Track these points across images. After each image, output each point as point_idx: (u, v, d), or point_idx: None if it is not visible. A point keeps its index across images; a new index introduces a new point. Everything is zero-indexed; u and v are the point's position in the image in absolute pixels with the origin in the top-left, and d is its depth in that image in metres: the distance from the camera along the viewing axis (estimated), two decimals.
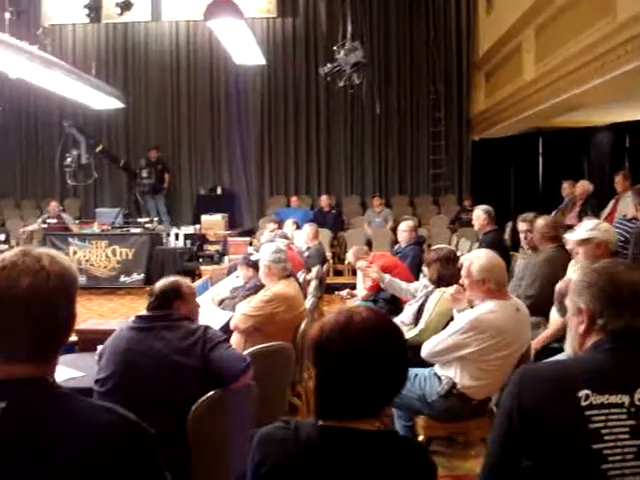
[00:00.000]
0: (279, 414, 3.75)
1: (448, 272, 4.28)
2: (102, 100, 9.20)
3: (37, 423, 1.30)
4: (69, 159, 9.74)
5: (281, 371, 3.82)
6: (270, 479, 1.55)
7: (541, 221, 5.00)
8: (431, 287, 4.46)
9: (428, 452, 1.61)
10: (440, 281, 4.34)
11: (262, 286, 4.68)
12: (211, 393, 2.78)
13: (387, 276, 5.28)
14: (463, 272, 3.51)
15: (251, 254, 5.69)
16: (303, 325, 4.37)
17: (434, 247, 4.87)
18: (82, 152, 9.81)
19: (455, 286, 3.71)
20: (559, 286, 3.62)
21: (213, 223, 11.27)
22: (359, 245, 7.40)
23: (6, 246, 10.61)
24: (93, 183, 13.34)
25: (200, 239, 10.46)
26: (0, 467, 1.27)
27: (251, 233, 11.78)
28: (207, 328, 3.00)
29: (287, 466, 1.54)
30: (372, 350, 1.57)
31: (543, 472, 1.46)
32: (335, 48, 8.23)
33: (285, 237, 7.10)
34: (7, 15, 9.81)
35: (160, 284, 3.11)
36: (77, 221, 11.67)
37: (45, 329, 1.35)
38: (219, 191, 12.97)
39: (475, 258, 3.52)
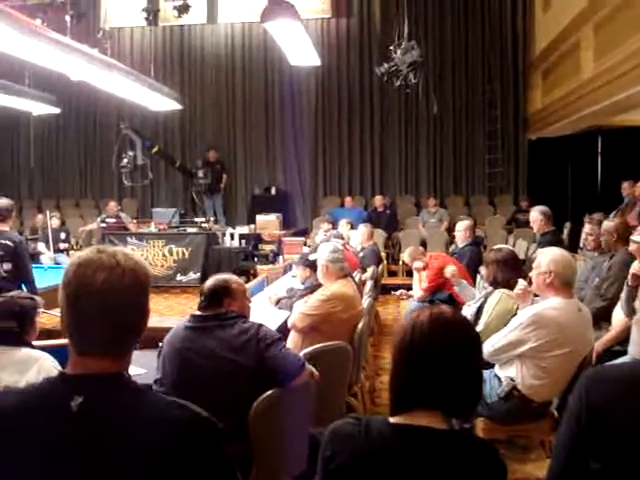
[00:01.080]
0: (336, 414, 3.76)
1: (506, 274, 4.22)
2: (160, 102, 9.33)
3: (113, 418, 1.33)
4: (125, 160, 9.95)
5: (338, 371, 3.81)
6: (340, 475, 1.55)
7: (610, 222, 4.91)
8: (490, 288, 4.40)
9: (499, 453, 1.59)
10: (497, 282, 4.28)
11: (319, 286, 4.68)
12: (270, 392, 2.80)
13: (463, 281, 5.17)
14: (534, 264, 3.50)
15: (308, 254, 5.71)
16: (360, 325, 4.36)
17: (494, 247, 4.80)
18: (138, 153, 10.00)
19: (521, 282, 3.66)
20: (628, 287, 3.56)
21: (267, 223, 11.36)
22: (414, 246, 7.36)
23: (66, 244, 10.90)
24: (150, 183, 13.62)
25: (255, 239, 10.55)
26: (75, 461, 1.30)
27: (304, 233, 11.83)
28: (260, 326, 3.01)
29: (357, 462, 1.54)
30: (465, 345, 1.60)
31: (612, 474, 1.43)
32: (391, 48, 8.20)
33: (340, 237, 7.10)
34: (68, 18, 10.07)
35: (209, 283, 3.12)
36: (135, 221, 11.90)
37: (121, 324, 1.38)
38: (273, 191, 13.04)
39: (548, 251, 3.51)
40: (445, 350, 1.58)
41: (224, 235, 10.49)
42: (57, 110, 10.70)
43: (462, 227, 6.83)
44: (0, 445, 1.35)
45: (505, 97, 12.60)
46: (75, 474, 1.29)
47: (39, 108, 10.35)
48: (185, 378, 2.86)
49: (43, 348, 3.09)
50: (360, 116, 13.06)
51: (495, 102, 12.54)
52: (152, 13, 10.54)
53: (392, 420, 1.60)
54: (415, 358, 1.61)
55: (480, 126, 12.70)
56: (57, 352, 3.11)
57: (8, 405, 1.38)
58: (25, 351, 2.94)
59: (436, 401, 1.59)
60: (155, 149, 10.77)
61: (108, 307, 1.35)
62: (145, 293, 1.43)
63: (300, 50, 8.76)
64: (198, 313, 3.09)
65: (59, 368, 2.96)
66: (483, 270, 4.60)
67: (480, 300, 4.44)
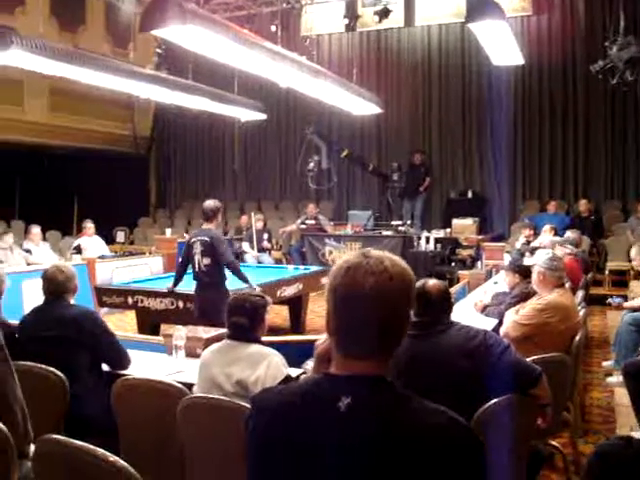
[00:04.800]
0: (554, 430, 3.60)
1: None
2: (362, 106, 9.50)
3: (381, 420, 1.32)
4: (311, 164, 10.22)
5: (556, 384, 3.64)
6: None
7: None
8: None
9: None
10: None
11: (529, 293, 4.52)
12: (498, 399, 2.71)
13: None
14: None
15: (518, 259, 5.52)
16: (578, 337, 4.14)
17: None
18: (323, 157, 10.24)
19: None
20: None
21: (464, 227, 11.18)
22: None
23: (268, 244, 11.41)
24: (346, 186, 13.99)
25: (452, 243, 10.41)
26: (342, 461, 1.31)
27: (501, 238, 11.48)
28: (487, 332, 2.93)
29: None
30: None
31: None
32: (607, 44, 7.76)
33: (574, 244, 6.75)
34: (273, 28, 10.54)
35: (433, 288, 3.05)
36: (332, 223, 12.20)
37: (387, 329, 1.39)
38: (470, 195, 12.79)
39: None
40: None
41: (419, 239, 10.45)
42: (263, 116, 11.23)
43: None
44: (266, 444, 1.40)
45: None
46: (337, 473, 1.31)
47: (247, 114, 10.92)
48: (407, 386, 2.84)
49: (269, 344, 3.22)
50: (563, 116, 12.46)
51: None
52: (353, 19, 10.78)
53: None
54: None
55: None
56: (280, 348, 3.24)
57: (274, 404, 1.44)
58: (255, 347, 3.06)
59: None
60: (345, 153, 10.96)
61: (375, 311, 1.36)
62: (409, 299, 1.42)
63: (504, 50, 8.57)
64: (415, 319, 3.04)
65: (286, 365, 3.09)
66: None
67: None
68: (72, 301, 3.68)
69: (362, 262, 1.39)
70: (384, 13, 10.52)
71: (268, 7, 11.74)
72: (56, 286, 3.62)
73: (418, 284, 3.13)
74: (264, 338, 3.26)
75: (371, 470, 1.29)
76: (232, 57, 6.47)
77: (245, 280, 5.64)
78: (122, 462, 1.80)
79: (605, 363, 6.35)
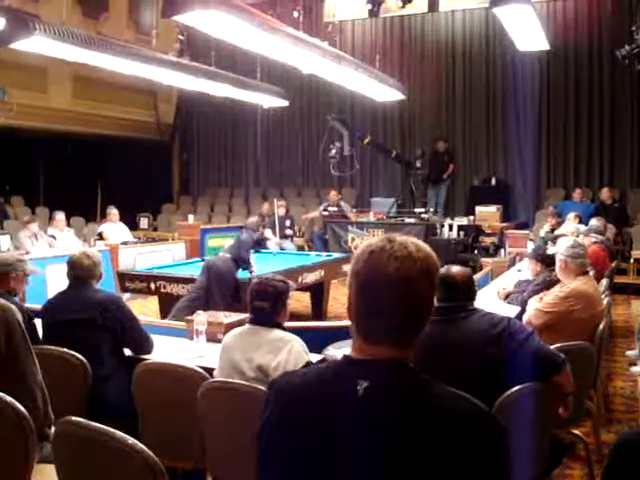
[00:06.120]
0: (576, 419, 3.57)
1: None
2: (385, 93, 9.44)
3: (399, 404, 1.32)
4: (333, 151, 10.19)
5: (580, 373, 3.60)
6: None
7: None
8: None
9: None
10: None
11: (552, 281, 4.48)
12: (521, 386, 2.69)
13: None
14: None
15: (542, 247, 5.46)
16: (602, 325, 4.10)
17: None
18: (345, 144, 10.20)
19: None
20: None
21: (487, 214, 11.10)
22: None
23: (291, 231, 11.42)
24: (369, 173, 13.94)
25: (475, 230, 10.34)
26: (356, 445, 1.30)
27: (525, 226, 11.37)
28: (510, 319, 2.90)
29: None
30: None
31: None
32: (633, 28, 7.62)
33: (599, 232, 6.69)
34: (295, 14, 10.49)
35: (459, 274, 3.02)
36: (354, 210, 12.18)
37: (409, 314, 1.37)
38: (493, 182, 12.65)
39: None
40: None
41: (442, 226, 10.40)
42: (286, 103, 11.20)
43: None
44: (281, 425, 1.40)
45: None
46: (354, 457, 1.30)
47: (269, 101, 10.90)
48: (431, 371, 2.82)
49: (290, 329, 3.21)
50: (588, 102, 12.27)
51: None
52: (376, 4, 10.69)
53: None
54: None
55: None
56: (301, 333, 3.24)
57: (292, 386, 1.44)
58: (277, 332, 3.06)
59: None
60: (367, 140, 10.91)
61: (398, 296, 1.35)
62: (433, 285, 1.41)
63: (529, 35, 8.45)
64: (439, 305, 3.02)
65: (307, 351, 3.08)
66: None
67: None
68: (97, 287, 3.71)
69: (386, 246, 1.38)
70: None
71: None
72: (82, 271, 3.66)
73: (442, 270, 3.11)
74: (286, 324, 3.26)
75: (387, 455, 1.28)
76: (254, 43, 6.45)
77: None
78: (141, 445, 1.81)
79: (629, 352, 6.29)
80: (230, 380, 2.90)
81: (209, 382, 2.88)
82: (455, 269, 3.06)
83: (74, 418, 1.90)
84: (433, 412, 1.31)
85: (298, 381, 1.45)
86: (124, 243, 9.81)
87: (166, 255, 9.87)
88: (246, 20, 5.65)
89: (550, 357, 2.82)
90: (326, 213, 11.55)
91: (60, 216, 9.80)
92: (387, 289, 1.35)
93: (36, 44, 6.39)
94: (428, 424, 1.30)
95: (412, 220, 10.55)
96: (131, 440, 1.81)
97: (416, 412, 1.31)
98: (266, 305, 3.10)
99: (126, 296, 8.28)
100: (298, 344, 3.02)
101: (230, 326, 3.71)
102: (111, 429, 1.86)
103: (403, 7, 10.77)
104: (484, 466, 1.30)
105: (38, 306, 3.85)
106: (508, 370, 2.77)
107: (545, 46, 9.44)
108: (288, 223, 11.44)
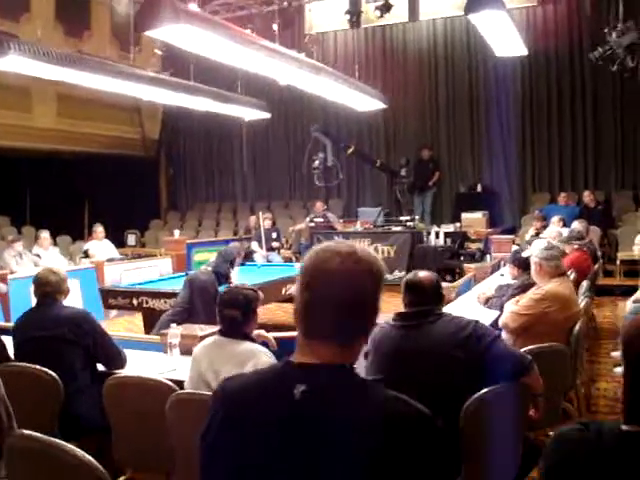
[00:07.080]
0: (552, 421, 3.56)
1: None
2: (366, 102, 9.47)
3: (334, 408, 1.32)
4: (316, 162, 10.21)
5: (554, 374, 3.60)
6: None
7: None
8: None
9: None
10: None
11: (530, 284, 4.48)
12: (486, 390, 2.69)
13: None
14: None
15: (520, 251, 5.48)
16: (577, 327, 4.10)
17: None
18: (328, 155, 10.22)
19: None
20: None
21: (473, 221, 11.13)
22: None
23: (277, 243, 11.42)
24: (355, 184, 13.97)
25: (461, 237, 10.36)
26: (292, 448, 1.31)
27: (512, 231, 11.41)
28: (477, 322, 2.91)
29: (587, 473, 1.40)
30: None
31: None
32: (606, 30, 7.67)
33: (580, 236, 6.72)
34: (275, 27, 10.57)
35: (424, 279, 3.03)
36: (341, 220, 12.19)
37: (350, 309, 1.37)
38: (479, 189, 12.71)
39: None
40: None
41: (429, 233, 10.42)
42: (268, 115, 11.23)
43: None
44: (228, 425, 1.40)
45: None
46: (289, 460, 1.31)
47: (250, 114, 10.93)
48: (399, 376, 2.82)
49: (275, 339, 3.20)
50: (571, 106, 12.37)
51: None
52: (355, 15, 10.73)
53: (625, 428, 1.44)
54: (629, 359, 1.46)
55: None
56: (285, 344, 3.22)
57: (235, 389, 1.44)
58: (245, 345, 3.05)
59: None
60: (351, 150, 10.94)
61: (337, 291, 1.36)
62: (378, 284, 1.41)
63: (506, 40, 8.52)
64: (407, 310, 3.03)
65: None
66: None
67: None
68: (64, 303, 3.70)
69: (332, 245, 1.42)
70: (385, 8, 10.48)
71: (269, 6, 11.73)
72: (50, 287, 3.64)
73: (410, 275, 3.13)
74: (271, 334, 3.25)
75: (323, 456, 1.28)
76: (228, 55, 6.48)
77: None
78: (89, 457, 1.79)
79: (614, 353, 6.29)
80: (197, 391, 2.89)
81: (176, 394, 2.86)
82: (422, 274, 3.07)
83: (25, 431, 1.89)
84: (370, 414, 1.31)
85: (239, 384, 1.45)
86: (110, 260, 9.79)
87: (153, 271, 9.84)
88: (218, 33, 5.67)
89: (517, 359, 2.82)
90: (313, 224, 11.55)
91: (44, 235, 9.77)
92: (328, 283, 1.37)
93: (12, 63, 6.40)
94: (365, 426, 1.29)
95: (398, 228, 10.56)
96: (80, 452, 1.80)
97: (353, 415, 1.31)
98: (236, 314, 3.09)
99: (113, 313, 8.27)
100: (265, 357, 3.00)
101: (204, 338, 3.70)
102: (62, 442, 1.85)
103: (381, 17, 10.82)
104: (421, 468, 1.29)
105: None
106: (476, 373, 2.78)
107: (523, 51, 9.51)
108: (274, 235, 11.44)
